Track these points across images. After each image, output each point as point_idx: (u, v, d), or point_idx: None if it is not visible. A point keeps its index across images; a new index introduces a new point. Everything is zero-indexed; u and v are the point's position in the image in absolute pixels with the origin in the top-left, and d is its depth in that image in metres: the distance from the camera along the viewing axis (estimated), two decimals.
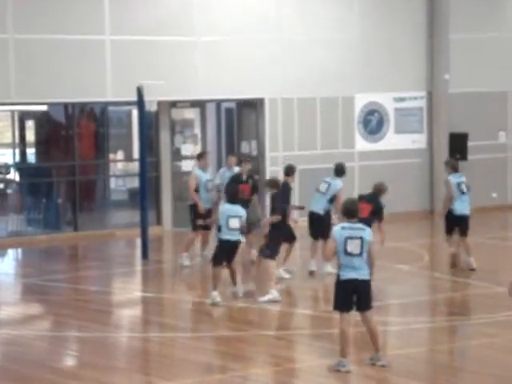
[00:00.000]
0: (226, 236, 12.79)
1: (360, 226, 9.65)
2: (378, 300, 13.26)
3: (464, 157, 21.19)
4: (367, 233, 9.63)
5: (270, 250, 12.99)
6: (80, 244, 18.35)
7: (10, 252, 17.93)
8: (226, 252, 12.84)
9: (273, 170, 19.92)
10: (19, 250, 18.06)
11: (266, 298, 12.76)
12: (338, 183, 14.68)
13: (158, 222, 19.41)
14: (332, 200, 14.48)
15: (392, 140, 21.04)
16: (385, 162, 20.71)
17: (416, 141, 21.31)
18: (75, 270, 16.03)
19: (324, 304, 13.21)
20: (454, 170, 14.95)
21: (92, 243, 18.33)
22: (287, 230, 13.62)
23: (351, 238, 9.52)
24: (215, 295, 12.78)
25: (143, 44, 18.59)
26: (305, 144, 20.10)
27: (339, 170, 14.91)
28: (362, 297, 9.61)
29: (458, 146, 21.12)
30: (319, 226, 14.41)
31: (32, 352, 10.71)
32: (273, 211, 13.26)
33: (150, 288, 14.43)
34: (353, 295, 9.58)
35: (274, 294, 12.78)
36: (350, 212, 9.67)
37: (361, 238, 9.54)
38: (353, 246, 9.51)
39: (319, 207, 14.50)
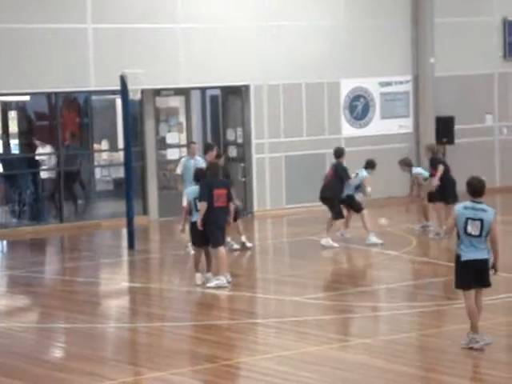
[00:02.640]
0: (195, 218, 12.82)
1: (483, 206, 9.58)
2: (366, 285, 13.26)
3: (451, 140, 21.15)
4: (489, 214, 9.54)
5: (212, 240, 12.92)
6: (65, 235, 18.22)
7: None
8: (199, 234, 12.83)
9: (259, 157, 19.84)
10: (4, 242, 17.91)
11: (214, 283, 12.81)
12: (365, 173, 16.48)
13: (144, 211, 19.29)
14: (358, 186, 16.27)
15: (378, 125, 20.97)
16: (371, 148, 20.62)
17: (402, 125, 21.25)
18: (61, 262, 15.93)
19: (312, 290, 13.14)
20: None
21: (78, 234, 18.21)
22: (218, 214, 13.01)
23: (472, 219, 9.50)
24: (198, 277, 12.95)
25: (126, 32, 18.44)
26: (291, 130, 20.00)
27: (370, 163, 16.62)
28: (481, 275, 9.62)
29: (445, 129, 21.07)
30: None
31: (19, 344, 10.60)
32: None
33: (137, 278, 14.33)
34: (473, 274, 9.60)
35: (222, 279, 12.82)
36: (476, 190, 9.62)
37: (481, 220, 9.50)
38: (472, 228, 9.50)
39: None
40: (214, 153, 15.21)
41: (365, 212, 15.84)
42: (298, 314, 11.57)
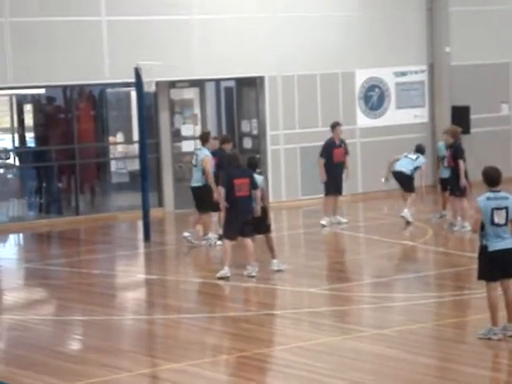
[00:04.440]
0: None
1: (504, 194, 9.57)
2: (382, 276, 13.24)
3: (466, 130, 21.05)
4: (511, 201, 9.54)
5: (223, 230, 12.99)
6: (82, 228, 18.28)
7: (12, 237, 17.86)
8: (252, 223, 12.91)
9: (274, 148, 19.82)
10: (21, 235, 17.99)
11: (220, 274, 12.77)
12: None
13: (160, 203, 19.32)
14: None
15: (394, 115, 20.89)
16: (387, 138, 20.58)
17: (418, 115, 21.18)
18: (77, 254, 15.97)
19: (328, 281, 13.14)
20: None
21: (94, 227, 18.26)
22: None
23: (498, 208, 9.46)
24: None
25: (140, 24, 18.44)
26: (306, 121, 19.97)
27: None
28: (507, 265, 9.55)
29: (461, 119, 20.97)
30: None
31: (36, 337, 10.66)
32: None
33: (153, 270, 14.36)
34: (500, 264, 9.51)
35: (226, 269, 12.74)
36: (494, 180, 9.58)
37: (506, 208, 9.48)
38: (499, 217, 9.46)
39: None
40: (214, 142, 15.30)
41: (414, 195, 16.47)
42: (314, 304, 11.58)
